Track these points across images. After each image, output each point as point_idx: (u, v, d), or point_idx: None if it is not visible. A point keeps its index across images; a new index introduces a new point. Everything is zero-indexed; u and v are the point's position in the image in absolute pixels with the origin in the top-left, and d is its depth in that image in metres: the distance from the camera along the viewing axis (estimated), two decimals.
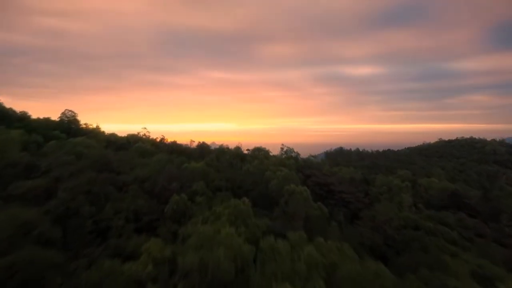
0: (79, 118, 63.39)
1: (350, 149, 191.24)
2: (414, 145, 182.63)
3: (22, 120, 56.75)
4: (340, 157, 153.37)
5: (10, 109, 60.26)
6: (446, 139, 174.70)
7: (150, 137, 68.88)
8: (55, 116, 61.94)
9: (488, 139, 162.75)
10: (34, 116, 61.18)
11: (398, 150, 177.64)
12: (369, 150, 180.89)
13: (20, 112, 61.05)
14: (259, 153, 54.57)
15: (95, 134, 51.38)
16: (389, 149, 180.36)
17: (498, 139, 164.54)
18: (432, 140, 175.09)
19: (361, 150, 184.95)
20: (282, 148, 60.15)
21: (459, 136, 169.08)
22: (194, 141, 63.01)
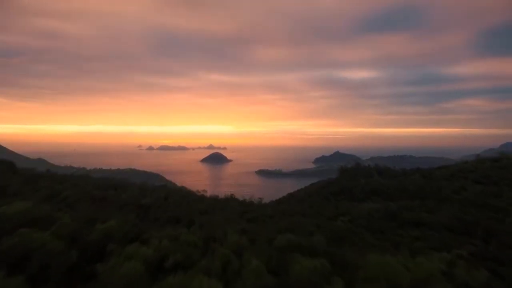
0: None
1: (368, 165, 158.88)
2: (449, 164, 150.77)
3: None
4: (361, 176, 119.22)
5: None
6: (486, 156, 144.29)
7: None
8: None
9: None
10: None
11: (429, 168, 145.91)
12: (391, 167, 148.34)
13: None
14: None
15: None
16: (418, 168, 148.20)
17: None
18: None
19: (377, 161, 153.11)
20: None
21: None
22: None
